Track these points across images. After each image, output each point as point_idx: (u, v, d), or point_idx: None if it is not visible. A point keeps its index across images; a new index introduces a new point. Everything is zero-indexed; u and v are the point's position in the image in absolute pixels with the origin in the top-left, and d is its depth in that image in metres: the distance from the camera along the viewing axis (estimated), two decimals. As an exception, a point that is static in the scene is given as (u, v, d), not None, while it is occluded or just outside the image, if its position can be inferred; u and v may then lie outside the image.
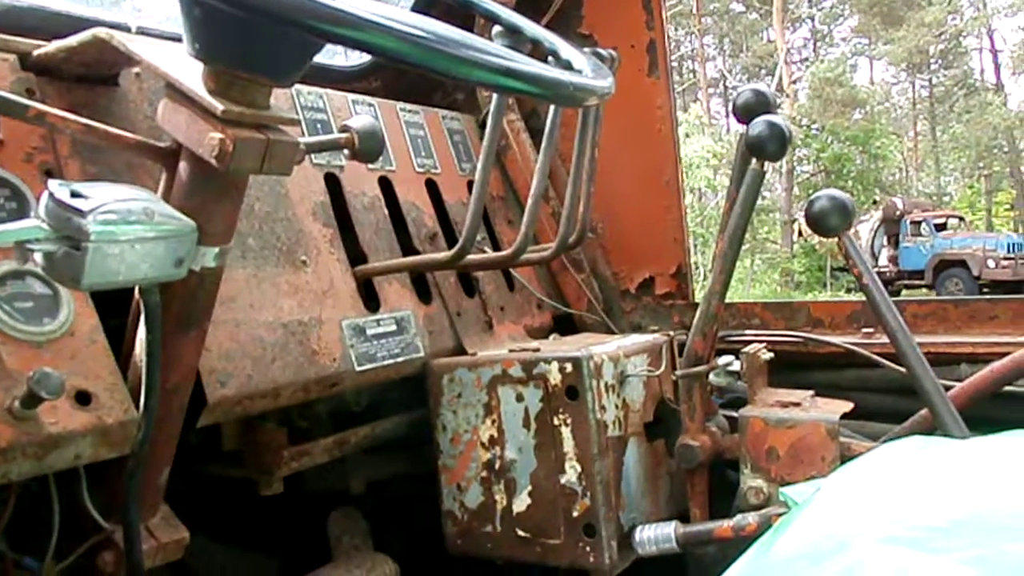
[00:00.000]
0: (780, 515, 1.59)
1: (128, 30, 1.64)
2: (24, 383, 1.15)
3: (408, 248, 2.15)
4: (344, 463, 2.18)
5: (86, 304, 1.35)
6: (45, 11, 1.73)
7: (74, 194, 1.03)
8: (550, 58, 1.44)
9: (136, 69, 1.62)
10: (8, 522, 1.32)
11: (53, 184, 1.03)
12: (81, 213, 1.01)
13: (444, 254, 1.95)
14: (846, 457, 1.73)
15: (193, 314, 1.30)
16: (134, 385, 1.33)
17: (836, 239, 1.83)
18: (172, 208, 1.14)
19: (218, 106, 1.12)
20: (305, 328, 1.75)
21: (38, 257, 1.02)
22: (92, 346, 1.32)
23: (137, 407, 1.30)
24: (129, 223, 1.04)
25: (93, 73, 1.56)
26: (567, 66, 1.35)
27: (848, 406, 1.88)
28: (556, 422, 1.85)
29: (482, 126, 2.60)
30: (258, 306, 1.67)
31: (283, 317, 1.71)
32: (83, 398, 1.27)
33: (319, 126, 2.03)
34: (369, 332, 1.90)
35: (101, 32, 1.39)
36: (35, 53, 1.48)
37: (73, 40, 1.43)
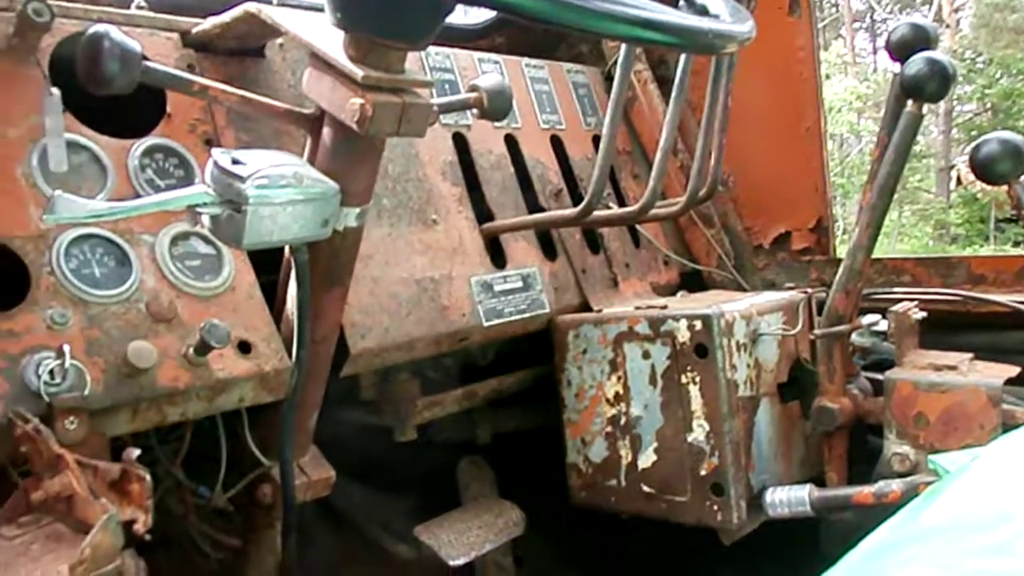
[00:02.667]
0: (929, 483, 1.52)
1: (270, 2, 1.74)
2: (196, 333, 1.28)
3: (534, 205, 2.19)
4: (472, 415, 2.28)
5: (244, 263, 1.48)
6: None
7: (234, 161, 1.12)
8: (682, 2, 1.39)
9: (280, 40, 1.72)
10: (184, 456, 1.49)
11: (216, 152, 1.12)
12: (241, 179, 1.10)
13: (569, 211, 1.96)
14: (1009, 426, 1.62)
15: (337, 271, 1.39)
16: (287, 337, 1.45)
17: (1006, 187, 1.69)
18: (317, 172, 1.21)
19: (358, 72, 1.17)
20: (436, 284, 1.83)
21: (205, 220, 1.12)
22: (250, 301, 1.45)
23: (290, 357, 1.42)
24: (281, 187, 1.12)
25: (243, 46, 1.67)
26: (702, 11, 1.29)
27: (1013, 371, 1.73)
28: (684, 380, 1.85)
29: (608, 78, 2.58)
30: (393, 263, 1.76)
31: (416, 274, 1.79)
32: (244, 347, 1.40)
33: (447, 86, 2.08)
34: (496, 288, 1.96)
35: (251, 7, 1.49)
36: (194, 31, 1.59)
37: (226, 16, 1.53)
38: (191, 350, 1.29)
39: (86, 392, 1.14)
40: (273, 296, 1.50)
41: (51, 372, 1.11)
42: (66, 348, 1.13)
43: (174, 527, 1.72)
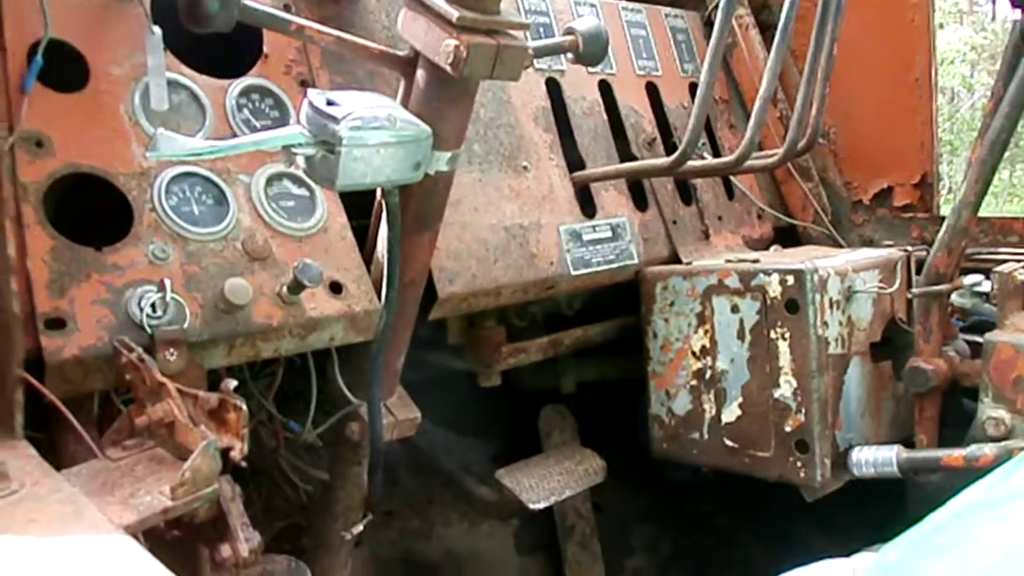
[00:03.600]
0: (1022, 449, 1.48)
1: None
2: (289, 272, 1.31)
3: (626, 154, 2.14)
4: (556, 363, 2.28)
5: (336, 205, 1.50)
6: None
7: (328, 102, 1.13)
8: None
9: None
10: (276, 392, 1.54)
11: (312, 93, 1.13)
12: (335, 120, 1.10)
13: (663, 160, 1.91)
14: None
15: (428, 215, 1.40)
16: (376, 279, 1.47)
17: None
18: (410, 114, 1.21)
19: (453, 13, 1.15)
20: (525, 231, 1.82)
21: (300, 160, 1.13)
22: (342, 242, 1.47)
23: (379, 298, 1.44)
24: (375, 129, 1.12)
25: None
26: None
27: None
28: (773, 335, 1.81)
29: (708, 23, 2.49)
30: (482, 209, 1.75)
31: (505, 220, 1.79)
32: (336, 288, 1.42)
33: (541, 29, 2.04)
34: (585, 237, 1.94)
35: None
36: None
37: None
38: (285, 289, 1.32)
39: (185, 325, 1.19)
40: (364, 240, 1.52)
41: (153, 305, 1.15)
42: (167, 282, 1.18)
43: (266, 459, 1.80)
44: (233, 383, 0.99)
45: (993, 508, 0.87)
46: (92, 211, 1.26)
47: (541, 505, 1.96)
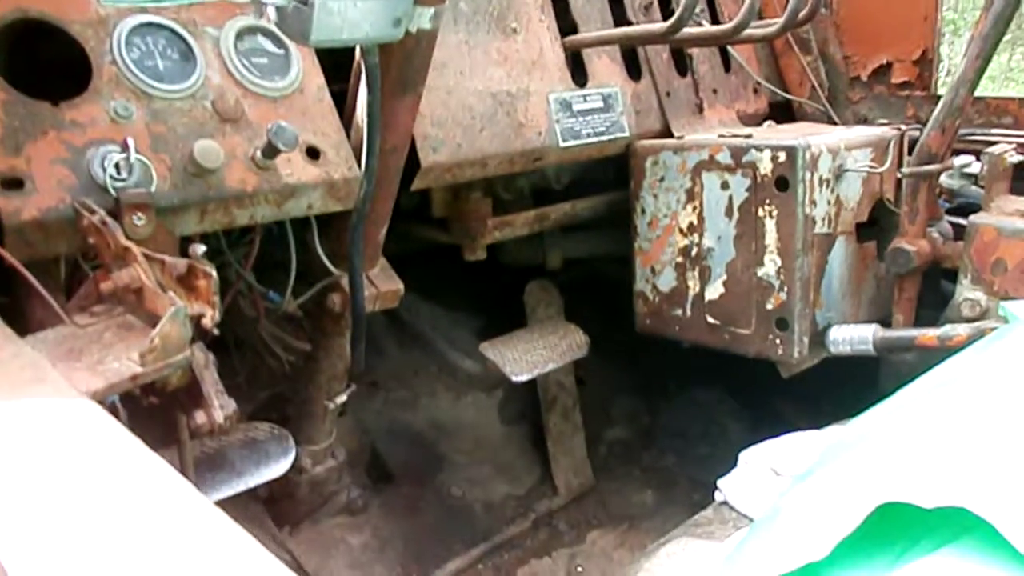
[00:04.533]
0: (994, 329, 1.49)
1: None
2: (263, 135, 1.25)
3: (621, 19, 2.03)
4: (542, 238, 2.26)
5: (313, 64, 1.42)
6: None
7: (301, -52, 1.04)
8: None
9: None
10: (255, 262, 1.50)
11: None
12: (307, -32, 1.02)
13: (658, 26, 1.81)
14: None
15: (409, 77, 1.32)
16: (356, 145, 1.41)
17: None
18: None
19: None
20: (513, 99, 1.74)
21: (271, 12, 1.05)
22: (319, 104, 1.40)
23: (359, 166, 1.39)
24: (351, -21, 1.04)
25: None
26: None
27: None
28: (761, 213, 1.78)
29: None
30: (468, 74, 1.67)
31: (492, 86, 1.71)
32: (313, 153, 1.37)
33: None
34: (575, 107, 1.87)
35: None
36: None
37: None
38: (258, 152, 1.26)
39: (153, 188, 1.14)
40: (343, 105, 1.45)
41: (116, 166, 1.10)
42: (130, 142, 1.11)
43: (247, 330, 1.79)
44: (202, 248, 0.95)
45: (961, 385, 0.88)
46: (48, 64, 1.18)
47: (524, 377, 1.98)
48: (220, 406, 0.90)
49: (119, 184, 1.09)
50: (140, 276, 0.90)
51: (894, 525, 0.64)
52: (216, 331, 0.94)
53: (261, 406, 2.04)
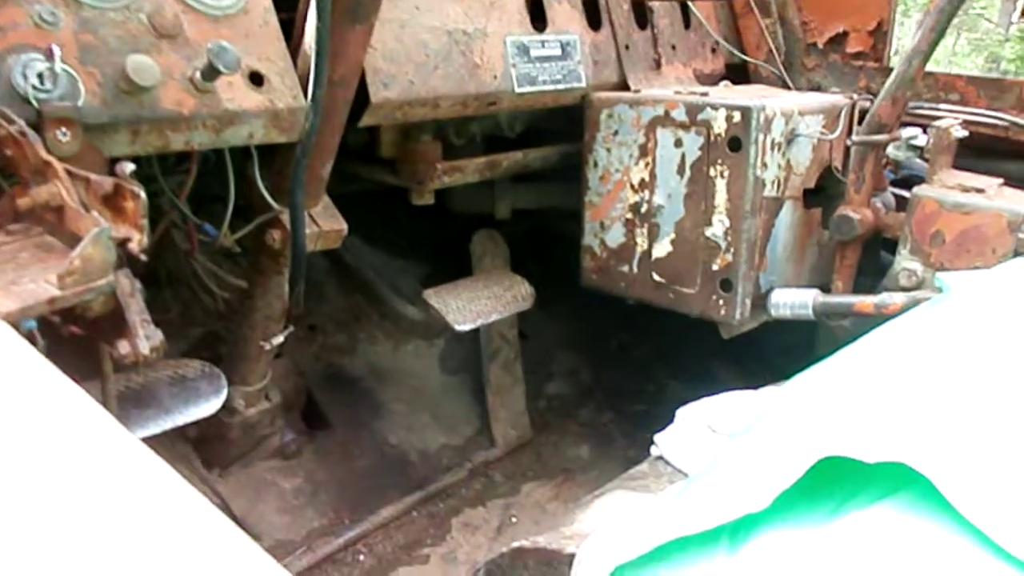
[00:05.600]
0: (928, 299, 1.53)
1: None
2: (203, 55, 1.18)
3: (584, -37, 1.99)
4: (492, 187, 2.22)
5: None
6: None
7: None
8: None
9: None
10: (192, 193, 1.43)
11: None
12: None
13: (621, -26, 1.79)
14: (1020, 254, 1.61)
15: (361, 6, 1.26)
16: (303, 74, 1.34)
17: None
18: None
19: None
20: (469, 39, 1.69)
21: None
22: (265, 27, 1.33)
23: (306, 96, 1.33)
24: None
25: None
26: None
27: None
28: (712, 173, 1.77)
29: None
30: (424, 8, 1.61)
31: (448, 24, 1.65)
32: (256, 79, 1.30)
33: None
34: (533, 53, 1.82)
35: None
36: None
37: None
38: (197, 73, 1.19)
39: (80, 103, 1.06)
40: (292, 33, 1.38)
41: (40, 76, 1.02)
42: (56, 50, 1.03)
43: (181, 265, 1.72)
44: (130, 167, 0.89)
45: (889, 351, 0.89)
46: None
47: (467, 327, 1.96)
48: (145, 336, 0.85)
49: (42, 96, 1.02)
50: (61, 193, 0.84)
51: (833, 479, 0.65)
52: (144, 257, 0.88)
53: (194, 344, 1.98)
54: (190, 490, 0.46)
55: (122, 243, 0.85)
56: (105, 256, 0.78)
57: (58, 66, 1.02)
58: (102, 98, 1.11)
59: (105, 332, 0.88)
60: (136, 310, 0.85)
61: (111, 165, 1.10)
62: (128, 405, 1.20)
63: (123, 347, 0.85)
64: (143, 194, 0.86)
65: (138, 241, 0.85)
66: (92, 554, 0.39)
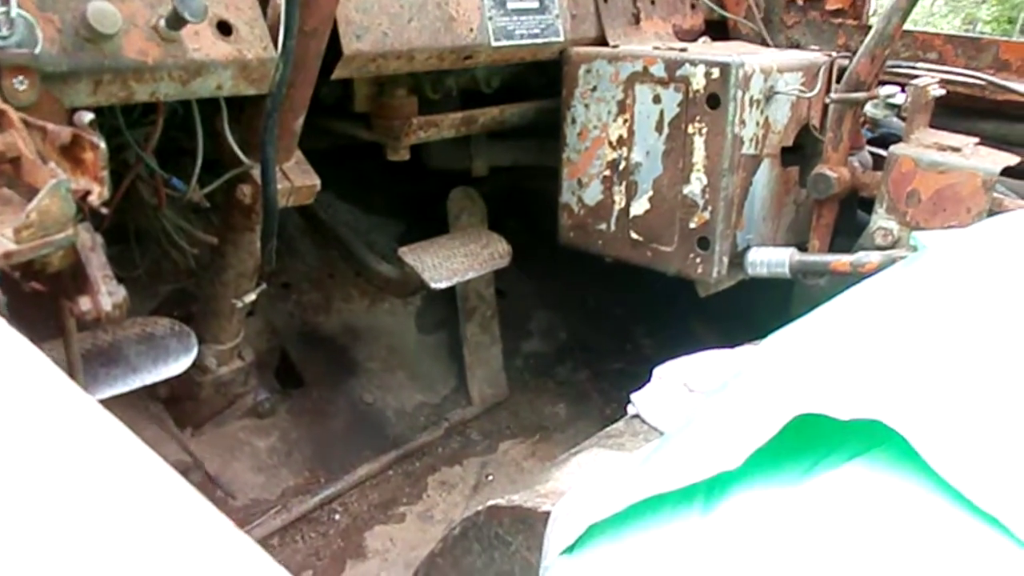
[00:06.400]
0: (904, 258, 1.53)
1: None
2: (168, 3, 1.13)
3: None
4: (469, 143, 2.19)
5: None
6: None
7: None
8: None
9: None
10: (158, 146, 1.39)
11: None
12: None
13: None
14: (994, 213, 1.61)
15: (332, -48, 1.22)
16: (273, 24, 1.30)
17: None
18: None
19: None
20: (445, -10, 1.64)
21: None
22: (232, -26, 1.28)
23: (276, 46, 1.28)
24: None
25: None
26: None
27: (1013, 160, 1.69)
28: (691, 130, 1.76)
29: None
30: (398, -44, 1.56)
31: None
32: (225, 28, 1.25)
33: None
34: (510, 6, 1.78)
35: None
36: None
37: None
38: (162, 21, 1.15)
39: (37, 50, 1.02)
40: None
41: (-5, 21, 0.97)
42: (12, -6, 0.99)
43: (149, 220, 1.68)
44: (89, 116, 0.85)
45: (864, 311, 0.89)
46: None
47: (443, 285, 1.94)
48: (108, 292, 0.82)
49: (-2, 42, 0.97)
50: (17, 143, 0.80)
51: (807, 438, 0.64)
52: (105, 210, 0.85)
53: (163, 302, 1.94)
54: (152, 455, 0.44)
55: (82, 195, 0.82)
56: (63, 209, 0.75)
57: (14, 11, 0.98)
58: (61, 45, 1.07)
59: (66, 288, 0.85)
60: (97, 265, 0.83)
61: (71, 116, 1.07)
62: (95, 363, 1.17)
63: (84, 303, 0.83)
64: (103, 145, 0.83)
65: (98, 194, 0.82)
66: (48, 526, 0.37)
